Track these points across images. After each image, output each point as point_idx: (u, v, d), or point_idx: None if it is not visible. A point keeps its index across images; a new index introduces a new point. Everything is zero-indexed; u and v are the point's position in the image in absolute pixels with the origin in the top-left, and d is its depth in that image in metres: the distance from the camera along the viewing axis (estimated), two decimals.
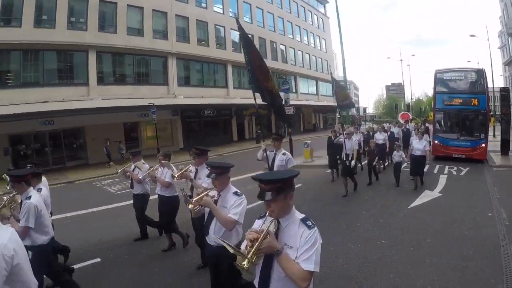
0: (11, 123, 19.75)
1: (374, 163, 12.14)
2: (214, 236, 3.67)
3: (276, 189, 2.39)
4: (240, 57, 33.24)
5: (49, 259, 4.70)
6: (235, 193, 3.79)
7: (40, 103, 19.80)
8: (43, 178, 6.07)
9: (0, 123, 19.18)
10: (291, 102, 21.52)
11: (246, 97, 28.85)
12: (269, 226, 2.45)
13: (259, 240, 2.33)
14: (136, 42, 25.71)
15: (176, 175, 5.63)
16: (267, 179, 2.49)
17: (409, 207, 9.10)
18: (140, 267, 6.21)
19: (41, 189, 5.52)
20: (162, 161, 6.70)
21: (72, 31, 22.47)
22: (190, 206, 3.87)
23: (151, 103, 22.44)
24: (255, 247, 2.32)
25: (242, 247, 2.57)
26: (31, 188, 4.56)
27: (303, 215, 2.51)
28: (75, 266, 6.04)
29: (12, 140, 22.10)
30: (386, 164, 14.78)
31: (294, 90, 42.89)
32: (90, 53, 23.43)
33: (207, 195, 3.83)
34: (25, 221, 4.20)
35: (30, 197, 4.30)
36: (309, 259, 2.29)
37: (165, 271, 5.95)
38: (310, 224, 2.41)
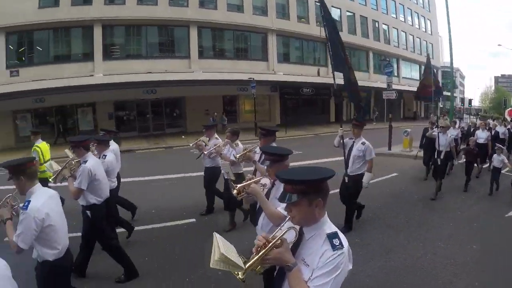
0: (116, 90, 21.66)
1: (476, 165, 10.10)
2: (261, 230, 3.08)
3: (301, 191, 1.88)
4: (342, 36, 31.78)
5: (101, 219, 4.90)
6: None
7: (144, 74, 21.29)
8: (115, 146, 6.66)
9: (107, 90, 21.21)
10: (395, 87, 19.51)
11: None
12: (284, 233, 1.99)
13: (266, 248, 1.93)
14: (236, 18, 25.81)
15: (237, 155, 5.45)
16: (288, 178, 1.98)
17: (506, 215, 7.58)
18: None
19: (106, 155, 5.82)
20: (226, 139, 6.53)
21: (174, 7, 23.47)
22: (234, 192, 3.36)
23: (251, 78, 22.65)
24: (259, 255, 1.94)
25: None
26: (89, 153, 4.87)
27: (333, 230, 1.93)
28: (171, 224, 6.89)
29: (116, 106, 24.40)
30: (485, 166, 11.81)
31: (395, 74, 39.60)
32: (191, 28, 24.29)
33: (256, 182, 3.26)
34: (79, 183, 4.51)
35: (86, 161, 4.63)
36: (322, 286, 1.79)
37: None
38: (338, 244, 1.85)
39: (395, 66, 39.54)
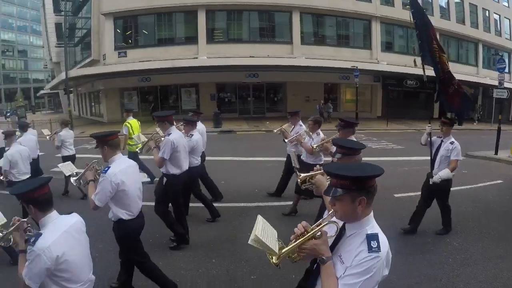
0: (219, 73, 22.28)
1: None
2: None
3: (344, 186, 1.81)
4: (449, 25, 29.15)
5: (176, 190, 5.38)
6: None
7: (246, 58, 21.06)
8: (201, 126, 7.13)
9: (210, 72, 21.96)
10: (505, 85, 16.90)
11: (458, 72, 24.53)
12: (324, 225, 1.94)
13: (304, 237, 1.93)
14: (339, 4, 24.49)
15: (314, 145, 5.63)
16: (333, 171, 1.92)
17: None
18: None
19: (192, 135, 6.17)
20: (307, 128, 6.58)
21: None
22: (298, 180, 3.08)
23: (354, 66, 21.53)
24: (296, 243, 1.95)
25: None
26: (173, 127, 5.28)
27: (375, 231, 1.83)
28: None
29: (218, 87, 25.08)
30: None
31: (507, 70, 35.42)
32: (293, 14, 23.53)
33: (323, 174, 2.84)
34: (162, 153, 5.00)
35: (170, 134, 5.09)
36: (351, 286, 1.75)
37: None
38: (375, 246, 1.77)
39: (507, 61, 35.47)
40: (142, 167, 8.05)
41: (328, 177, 2.79)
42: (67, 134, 8.62)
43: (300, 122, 7.27)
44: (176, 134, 5.24)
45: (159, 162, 5.08)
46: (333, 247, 1.91)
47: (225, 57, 20.74)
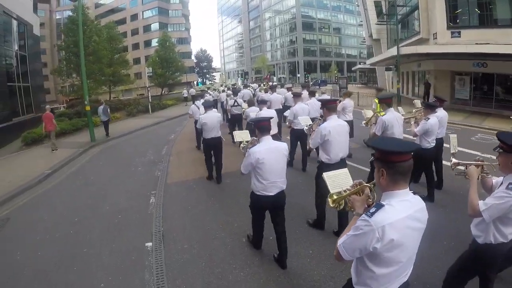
0: None
1: None
2: None
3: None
4: None
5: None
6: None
7: None
8: (442, 113, 7.33)
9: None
10: None
11: None
12: (367, 186, 2.46)
13: (352, 191, 2.52)
14: None
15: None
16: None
17: None
18: None
19: (429, 118, 6.50)
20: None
21: None
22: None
23: None
24: (345, 194, 2.60)
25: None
26: (391, 109, 6.54)
27: (383, 203, 2.09)
28: None
29: None
30: None
31: None
32: None
33: (478, 166, 3.27)
34: (375, 129, 6.58)
35: (384, 115, 6.48)
36: (343, 237, 2.17)
37: None
38: (371, 211, 2.05)
39: None
40: None
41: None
42: (348, 103, 10.58)
43: None
44: (390, 115, 6.42)
45: (372, 135, 7.00)
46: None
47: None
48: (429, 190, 6.80)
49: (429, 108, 6.67)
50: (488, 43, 18.38)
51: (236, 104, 13.16)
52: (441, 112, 7.28)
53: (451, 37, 20.99)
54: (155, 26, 73.50)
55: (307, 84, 16.86)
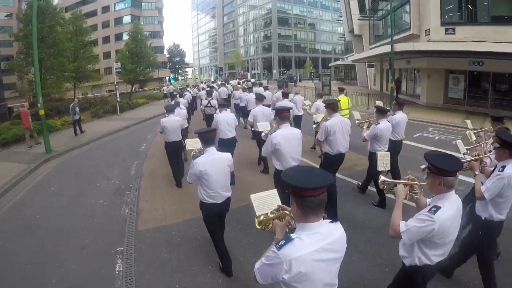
0: None
1: None
2: None
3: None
4: None
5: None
6: None
7: None
8: (402, 115, 7.70)
9: None
10: None
11: None
12: (287, 214, 2.54)
13: (275, 215, 2.62)
14: None
15: None
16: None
17: None
18: None
19: (379, 123, 6.73)
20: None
21: None
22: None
23: None
24: (269, 217, 2.64)
25: None
26: (336, 114, 6.26)
27: (293, 236, 2.11)
28: None
29: None
30: None
31: None
32: None
33: (406, 185, 3.29)
34: (318, 135, 6.69)
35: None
36: (258, 263, 2.21)
37: None
38: (278, 245, 2.08)
39: None
40: None
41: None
42: (320, 104, 10.12)
43: None
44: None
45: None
46: None
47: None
48: (380, 195, 6.71)
49: (380, 112, 6.74)
50: (485, 41, 17.26)
51: (209, 105, 13.14)
52: (399, 115, 7.56)
53: (445, 33, 19.81)
54: (127, 18, 69.74)
55: (282, 85, 15.80)
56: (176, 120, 8.69)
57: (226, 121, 8.36)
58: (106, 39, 70.23)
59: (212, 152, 4.67)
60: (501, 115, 6.06)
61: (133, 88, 37.14)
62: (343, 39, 56.43)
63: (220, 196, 4.66)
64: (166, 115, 8.86)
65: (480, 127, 6.73)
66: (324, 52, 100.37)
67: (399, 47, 20.07)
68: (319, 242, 2.09)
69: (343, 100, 11.16)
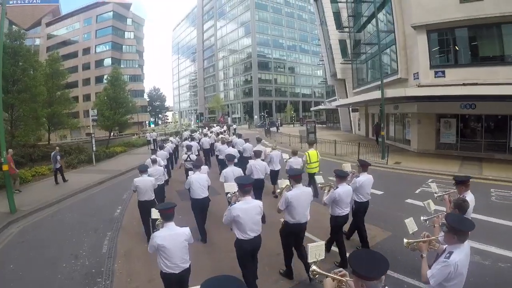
0: None
1: None
2: None
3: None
4: None
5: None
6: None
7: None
8: (365, 175, 7.64)
9: None
10: None
11: None
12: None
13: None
14: None
15: None
16: None
17: None
18: None
19: (337, 187, 6.82)
20: None
21: None
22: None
23: None
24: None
25: None
26: (299, 185, 6.26)
27: None
28: None
29: None
30: None
31: None
32: None
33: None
34: (279, 204, 6.38)
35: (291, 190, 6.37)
36: None
37: None
38: None
39: None
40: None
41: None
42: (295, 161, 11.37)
43: None
44: (296, 191, 6.21)
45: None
46: None
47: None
48: (341, 256, 6.89)
49: (339, 177, 6.80)
50: (476, 83, 16.89)
51: (189, 159, 13.17)
52: (364, 177, 7.54)
53: (435, 76, 19.46)
54: (107, 61, 69.52)
55: (260, 139, 15.11)
56: (149, 180, 8.86)
57: (198, 182, 8.65)
58: (87, 81, 69.77)
59: (171, 227, 4.92)
60: (464, 178, 5.78)
61: (112, 134, 35.51)
62: (324, 82, 56.85)
63: (177, 267, 4.90)
64: (140, 175, 8.91)
65: (444, 191, 6.45)
66: (305, 95, 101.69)
67: (391, 93, 19.45)
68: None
69: (313, 154, 11.76)
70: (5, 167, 11.44)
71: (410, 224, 5.13)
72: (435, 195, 6.36)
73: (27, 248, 8.79)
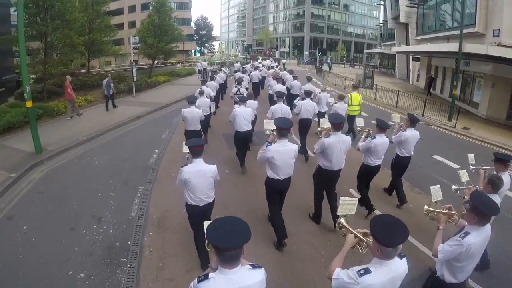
0: None
1: None
2: None
3: None
4: None
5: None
6: None
7: None
8: (412, 130, 7.43)
9: None
10: None
11: None
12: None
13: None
14: None
15: None
16: None
17: None
18: None
19: (375, 137, 6.78)
20: None
21: None
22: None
23: None
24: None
25: None
26: (339, 132, 6.14)
27: (210, 275, 2.39)
28: None
29: None
30: None
31: None
32: None
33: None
34: (316, 146, 6.36)
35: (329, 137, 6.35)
36: None
37: None
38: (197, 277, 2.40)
39: None
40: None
41: None
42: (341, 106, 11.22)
43: None
44: (334, 138, 6.13)
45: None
46: None
47: None
48: (367, 207, 7.03)
49: (379, 128, 6.69)
50: None
51: (238, 93, 13.18)
52: (410, 132, 7.27)
53: None
54: None
55: (310, 78, 14.71)
56: (196, 112, 9.49)
57: (243, 115, 9.01)
58: (132, 8, 67.99)
59: (199, 163, 4.99)
60: (505, 156, 5.41)
61: (156, 62, 34.59)
62: (382, 24, 52.11)
63: (202, 201, 5.10)
64: (188, 105, 9.59)
65: (481, 165, 5.95)
66: (358, 36, 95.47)
67: (469, 48, 16.73)
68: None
69: (355, 96, 12.13)
70: (28, 104, 10.57)
71: (436, 192, 4.88)
72: (471, 167, 6.08)
73: (45, 203, 7.93)
